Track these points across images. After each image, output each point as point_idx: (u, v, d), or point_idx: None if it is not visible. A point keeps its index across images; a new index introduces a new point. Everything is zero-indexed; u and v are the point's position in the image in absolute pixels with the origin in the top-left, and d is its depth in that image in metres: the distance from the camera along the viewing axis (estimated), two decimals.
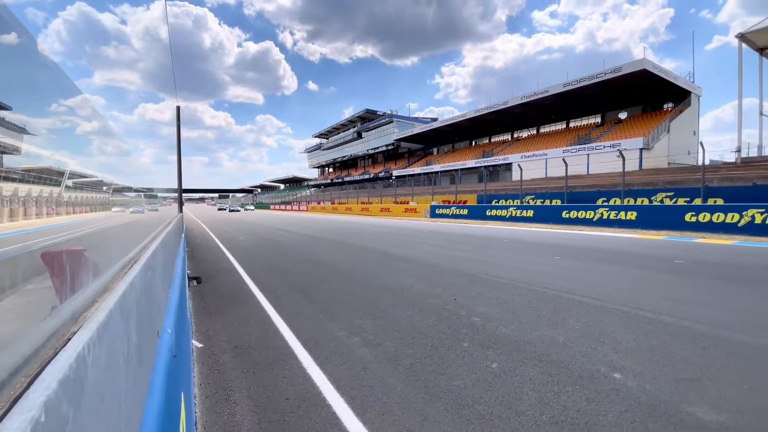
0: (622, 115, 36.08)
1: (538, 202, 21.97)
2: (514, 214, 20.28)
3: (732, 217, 12.12)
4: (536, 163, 34.45)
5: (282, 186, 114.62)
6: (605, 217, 15.76)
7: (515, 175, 33.05)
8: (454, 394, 2.49)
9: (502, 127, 46.42)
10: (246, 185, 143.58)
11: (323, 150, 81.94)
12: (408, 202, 33.21)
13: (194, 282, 6.26)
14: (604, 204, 16.75)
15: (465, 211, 24.03)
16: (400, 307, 4.50)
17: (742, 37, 26.45)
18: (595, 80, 30.22)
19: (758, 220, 11.53)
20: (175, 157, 11.35)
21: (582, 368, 2.80)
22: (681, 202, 15.66)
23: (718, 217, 12.43)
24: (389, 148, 60.10)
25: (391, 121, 58.93)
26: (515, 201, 23.30)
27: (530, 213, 19.41)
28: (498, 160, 40.54)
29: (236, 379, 2.82)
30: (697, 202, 14.87)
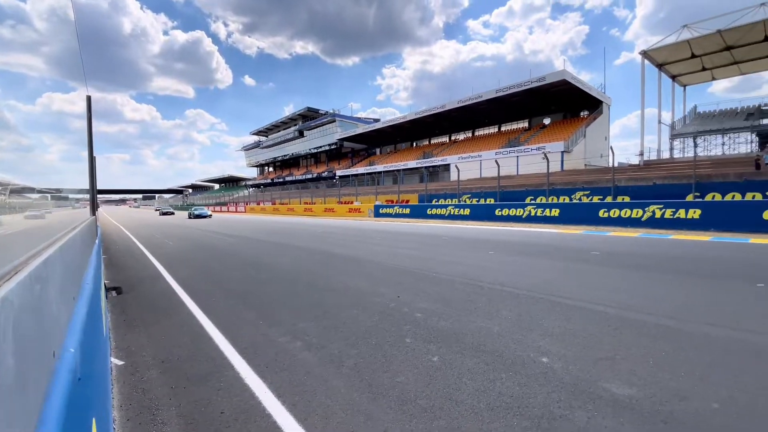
0: (546, 121, 39.49)
1: (474, 201, 23.20)
2: (452, 213, 21.19)
3: (637, 213, 13.86)
4: (472, 164, 36.38)
5: (217, 186, 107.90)
6: (533, 214, 17.13)
7: (453, 176, 34.57)
8: (398, 390, 2.51)
9: (440, 129, 48.28)
10: (175, 185, 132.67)
11: (262, 148, 78.57)
12: (352, 202, 33.14)
13: (113, 293, 5.62)
14: (532, 202, 18.20)
15: (407, 210, 24.57)
16: (345, 308, 4.45)
17: (645, 54, 30.44)
18: (523, 88, 32.71)
19: (658, 215, 13.32)
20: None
21: (514, 355, 2.99)
22: (596, 199, 17.55)
23: (626, 213, 14.13)
24: (332, 147, 59.45)
25: (334, 120, 58.37)
26: (453, 200, 24.37)
27: (467, 211, 20.42)
28: (437, 161, 42.10)
29: (164, 396, 2.57)
30: (609, 199, 16.78)
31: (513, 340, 3.29)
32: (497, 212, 18.81)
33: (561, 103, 36.68)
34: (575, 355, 2.95)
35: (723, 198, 14.44)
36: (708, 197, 14.84)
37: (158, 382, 2.79)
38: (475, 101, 36.81)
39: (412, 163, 44.96)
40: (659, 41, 29.15)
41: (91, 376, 1.61)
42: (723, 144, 33.80)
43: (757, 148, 30.64)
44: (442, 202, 24.85)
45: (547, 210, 16.64)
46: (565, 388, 2.47)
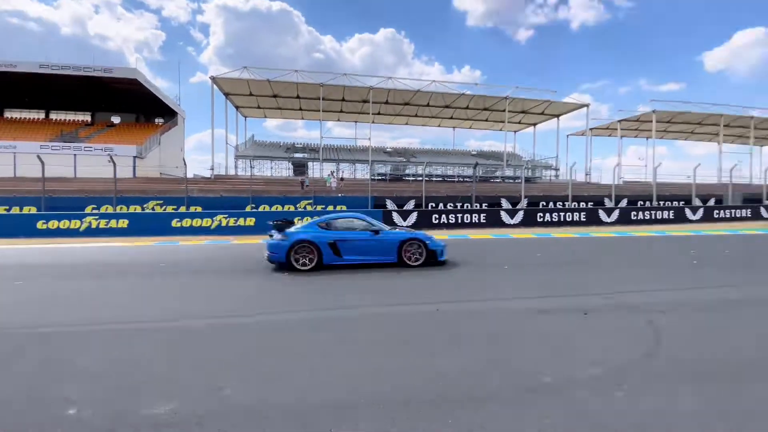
0: (116, 119, 34.92)
1: (2, 210, 16.38)
2: None
3: (207, 222, 15.26)
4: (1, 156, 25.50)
5: None
6: (95, 226, 14.46)
7: None
8: None
9: None
10: None
11: None
12: None
13: None
14: (94, 212, 15.42)
15: None
16: None
17: (214, 79, 34.05)
18: (83, 73, 27.18)
19: (224, 223, 15.34)
20: None
21: (34, 422, 2.29)
22: (170, 209, 17.59)
23: (197, 222, 15.20)
24: None
25: None
26: None
27: None
28: None
29: None
30: (183, 209, 17.37)
31: (33, 402, 2.52)
32: (41, 225, 14.23)
33: (133, 104, 33.80)
34: (113, 392, 2.69)
35: (271, 208, 19.05)
36: (261, 208, 19.04)
37: None
38: (6, 69, 26.05)
39: None
40: (225, 73, 33.82)
41: None
42: (272, 168, 44.74)
43: (292, 173, 43.10)
44: None
45: (114, 221, 14.65)
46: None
